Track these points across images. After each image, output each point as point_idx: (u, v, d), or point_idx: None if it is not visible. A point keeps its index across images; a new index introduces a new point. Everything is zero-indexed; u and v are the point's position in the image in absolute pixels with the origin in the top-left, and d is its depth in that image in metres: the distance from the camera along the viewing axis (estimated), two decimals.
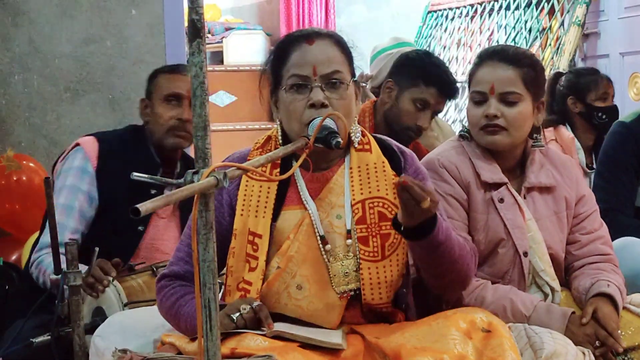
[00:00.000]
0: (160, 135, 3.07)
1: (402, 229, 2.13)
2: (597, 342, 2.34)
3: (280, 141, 2.31)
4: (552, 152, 2.69)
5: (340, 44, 2.31)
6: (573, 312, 2.41)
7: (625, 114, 3.69)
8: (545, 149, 2.66)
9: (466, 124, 2.64)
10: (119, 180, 2.94)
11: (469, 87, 2.60)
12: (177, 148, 3.10)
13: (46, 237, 2.96)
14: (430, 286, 2.33)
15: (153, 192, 3.00)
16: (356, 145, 2.32)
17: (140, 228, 3.02)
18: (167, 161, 3.11)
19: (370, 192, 2.28)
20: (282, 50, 2.31)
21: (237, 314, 2.11)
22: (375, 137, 2.38)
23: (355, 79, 2.32)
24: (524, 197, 2.57)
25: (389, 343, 2.08)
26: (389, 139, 2.44)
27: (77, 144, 3.07)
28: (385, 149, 2.36)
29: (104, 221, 2.97)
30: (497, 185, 2.55)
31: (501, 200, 2.53)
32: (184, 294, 2.25)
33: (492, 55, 2.57)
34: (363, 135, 2.35)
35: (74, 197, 3.00)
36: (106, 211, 2.98)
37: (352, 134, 2.31)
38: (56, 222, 2.83)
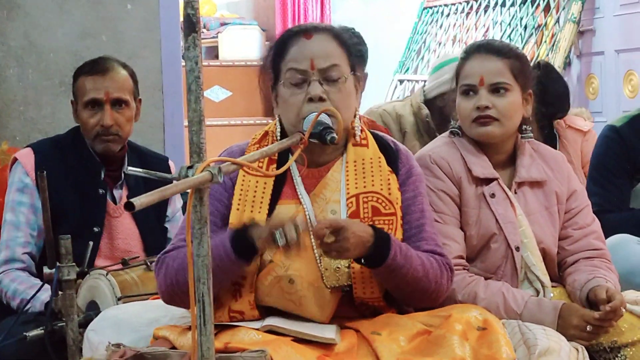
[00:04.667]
0: (89, 141, 3.03)
1: (362, 261, 2.15)
2: (588, 326, 2.34)
3: (278, 136, 2.31)
4: (542, 147, 2.70)
5: (338, 37, 2.31)
6: (564, 304, 2.41)
7: (616, 118, 3.66)
8: (535, 144, 2.67)
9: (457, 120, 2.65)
10: (63, 185, 2.97)
11: (457, 82, 2.61)
12: (108, 152, 3.02)
13: (1, 254, 2.98)
14: (401, 302, 2.31)
15: (101, 192, 3.01)
16: (357, 139, 2.32)
17: (95, 229, 2.99)
18: (108, 160, 3.05)
19: (365, 187, 2.27)
20: (280, 45, 2.31)
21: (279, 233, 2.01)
22: (372, 134, 2.39)
23: (355, 72, 2.33)
24: (515, 192, 2.58)
25: (384, 346, 2.06)
26: (386, 135, 2.45)
27: (15, 159, 3.05)
28: (382, 145, 2.36)
29: (59, 227, 2.85)
30: (488, 180, 2.56)
31: (492, 195, 2.54)
32: None
33: (478, 49, 2.60)
34: (361, 130, 2.35)
35: (18, 212, 3.00)
36: (57, 217, 2.88)
37: (354, 128, 2.32)
38: (7, 237, 2.98)
